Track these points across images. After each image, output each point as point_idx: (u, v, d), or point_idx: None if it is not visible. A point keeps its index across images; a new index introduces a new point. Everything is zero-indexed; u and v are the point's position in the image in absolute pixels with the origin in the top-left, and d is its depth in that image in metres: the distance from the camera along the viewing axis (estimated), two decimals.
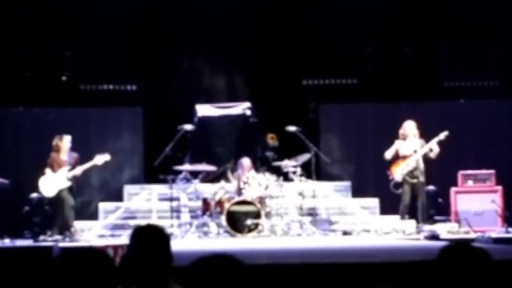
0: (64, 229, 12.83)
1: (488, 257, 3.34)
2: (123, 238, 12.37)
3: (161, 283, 3.60)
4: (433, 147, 13.14)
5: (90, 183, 15.03)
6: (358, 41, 15.49)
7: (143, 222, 12.06)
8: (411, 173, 13.12)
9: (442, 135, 13.13)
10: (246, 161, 14.02)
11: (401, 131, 13.31)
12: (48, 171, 13.02)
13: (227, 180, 13.98)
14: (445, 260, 3.34)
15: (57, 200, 12.99)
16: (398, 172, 13.20)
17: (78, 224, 13.45)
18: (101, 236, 13.22)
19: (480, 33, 15.36)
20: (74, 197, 13.21)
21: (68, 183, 12.95)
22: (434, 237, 12.10)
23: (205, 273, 3.02)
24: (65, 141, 13.07)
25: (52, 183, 12.96)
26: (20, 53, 15.20)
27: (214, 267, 3.01)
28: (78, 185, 14.26)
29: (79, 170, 12.97)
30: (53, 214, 13.06)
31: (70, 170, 12.93)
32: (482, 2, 15.25)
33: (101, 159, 13.01)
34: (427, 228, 12.73)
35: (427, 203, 13.21)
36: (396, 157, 13.28)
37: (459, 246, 3.43)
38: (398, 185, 13.25)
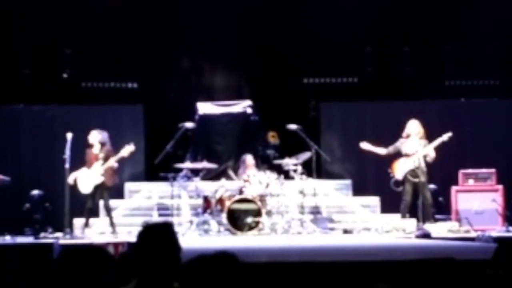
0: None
1: None
2: (124, 236, 12.38)
3: (168, 279, 3.59)
4: (430, 152, 13.07)
5: None
6: (359, 40, 15.49)
7: (144, 220, 12.07)
8: (412, 172, 13.10)
9: (446, 136, 13.07)
10: (249, 159, 14.03)
11: (405, 130, 13.31)
12: (83, 168, 12.79)
13: (228, 178, 13.99)
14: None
15: (93, 196, 12.87)
16: (399, 170, 13.20)
17: (78, 222, 13.46)
18: (102, 233, 13.22)
19: (481, 32, 15.35)
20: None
21: (102, 178, 12.73)
22: (425, 235, 12.09)
23: (205, 271, 3.03)
24: (93, 136, 12.92)
25: (87, 179, 12.77)
26: (20, 51, 15.21)
27: (213, 265, 3.01)
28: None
29: (111, 161, 12.78)
30: (75, 212, 12.94)
31: (103, 164, 12.84)
32: (484, 2, 15.23)
33: (127, 150, 12.87)
34: (421, 226, 12.71)
35: (431, 200, 13.19)
36: (399, 155, 13.27)
37: None
38: (399, 183, 13.24)
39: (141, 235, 3.71)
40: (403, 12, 15.46)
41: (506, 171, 14.10)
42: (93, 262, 2.99)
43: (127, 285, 3.48)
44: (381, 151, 13.44)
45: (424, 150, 13.07)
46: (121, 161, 13.06)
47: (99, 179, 12.73)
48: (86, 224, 12.80)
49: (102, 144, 12.88)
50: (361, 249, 10.36)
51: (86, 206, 12.81)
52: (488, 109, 15.37)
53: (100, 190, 12.84)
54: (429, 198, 13.10)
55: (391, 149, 13.36)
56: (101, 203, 13.13)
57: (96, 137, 12.90)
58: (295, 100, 15.63)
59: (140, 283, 3.51)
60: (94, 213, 14.19)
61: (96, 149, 12.86)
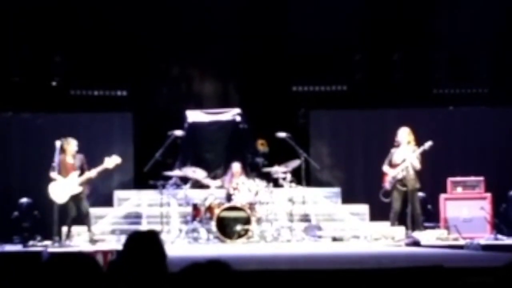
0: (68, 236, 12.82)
1: None
2: (113, 244, 12.35)
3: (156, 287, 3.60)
4: (413, 162, 13.07)
5: None
6: (348, 48, 15.53)
7: (133, 228, 12.05)
8: (400, 181, 13.12)
9: (427, 145, 13.05)
10: (236, 166, 14.05)
11: (396, 138, 13.32)
12: (57, 176, 12.76)
13: (213, 178, 14.02)
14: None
15: (68, 207, 12.86)
16: (388, 180, 13.23)
17: (66, 230, 13.43)
18: (91, 241, 13.18)
19: (470, 40, 15.42)
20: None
21: (80, 189, 12.80)
22: (415, 243, 12.10)
23: (196, 280, 3.03)
24: (71, 144, 12.95)
25: (63, 189, 12.77)
26: (9, 58, 15.18)
27: (204, 274, 3.01)
28: None
29: (93, 172, 12.80)
30: (64, 220, 12.94)
31: (80, 175, 12.83)
32: (472, 10, 15.30)
33: (111, 162, 12.88)
34: (411, 234, 12.72)
35: (419, 210, 13.19)
36: (390, 165, 13.28)
37: None
38: (388, 194, 13.26)
39: (126, 243, 3.72)
40: (391, 20, 15.50)
41: (494, 179, 14.12)
42: (80, 270, 2.98)
43: None
44: (387, 169, 13.34)
45: (409, 160, 13.05)
46: (105, 172, 13.06)
47: (76, 190, 12.74)
48: (68, 234, 12.80)
49: (76, 152, 12.92)
50: (350, 257, 10.36)
51: (70, 216, 12.80)
52: (476, 117, 15.42)
53: (78, 199, 12.84)
54: (418, 208, 13.10)
55: (387, 162, 13.33)
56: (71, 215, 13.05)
57: (73, 144, 12.91)
58: (284, 108, 15.65)
59: None
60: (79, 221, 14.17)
61: (70, 158, 12.89)
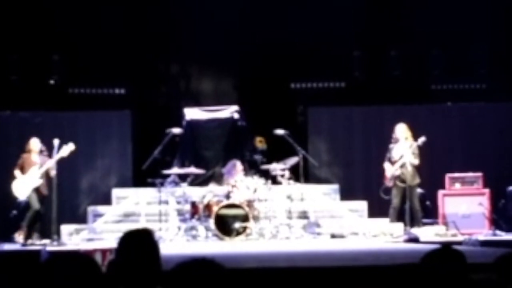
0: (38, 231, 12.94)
1: (465, 260, 3.45)
2: (112, 242, 12.35)
3: (150, 286, 3.60)
4: (411, 159, 13.07)
5: (78, 186, 15.01)
6: (346, 45, 15.52)
7: (131, 226, 12.06)
8: (399, 177, 13.14)
9: (420, 141, 13.07)
10: (238, 164, 13.97)
11: (393, 135, 13.33)
12: (18, 173, 13.09)
13: (217, 182, 13.98)
14: (428, 263, 3.41)
15: (30, 200, 13.02)
16: (387, 177, 13.25)
17: (66, 228, 13.45)
18: (90, 240, 13.19)
19: (467, 36, 15.43)
20: (59, 199, 13.09)
21: (40, 181, 12.93)
22: (413, 240, 12.11)
23: (187, 278, 3.04)
24: (33, 144, 13.16)
25: (24, 184, 12.98)
26: (7, 57, 15.16)
27: (195, 272, 3.02)
28: (66, 189, 14.26)
29: (49, 163, 12.88)
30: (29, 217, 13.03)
31: (40, 168, 13.00)
32: (469, 5, 15.30)
33: (67, 150, 12.96)
34: (409, 231, 12.73)
35: (418, 206, 13.20)
36: (389, 161, 13.30)
37: (441, 250, 3.51)
38: (388, 190, 13.27)
39: (120, 242, 3.73)
40: (389, 16, 15.51)
41: (492, 175, 14.14)
42: (79, 269, 2.98)
43: None
44: (386, 166, 13.35)
45: (406, 157, 13.06)
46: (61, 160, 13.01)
47: (36, 182, 12.92)
48: (31, 231, 12.92)
49: (41, 151, 13.10)
50: (349, 254, 10.38)
51: (32, 208, 12.93)
52: (474, 113, 15.42)
53: (39, 195, 12.99)
54: (417, 204, 13.11)
55: (386, 158, 13.34)
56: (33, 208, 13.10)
57: (37, 144, 13.14)
58: (283, 105, 15.65)
59: None
60: (81, 219, 14.17)
61: (35, 157, 13.06)
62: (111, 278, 3.55)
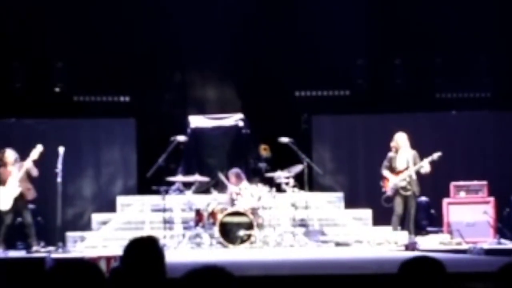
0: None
1: (443, 269, 3.49)
2: (116, 249, 12.36)
3: None
4: (425, 166, 13.04)
5: (82, 194, 15.04)
6: (350, 53, 15.55)
7: (136, 233, 12.06)
8: (403, 188, 13.10)
9: (435, 156, 13.00)
10: (234, 173, 13.88)
11: (392, 144, 13.27)
12: None
13: (221, 190, 13.97)
14: (406, 272, 3.47)
15: (15, 211, 12.98)
16: (389, 186, 13.20)
17: (71, 235, 13.46)
18: (94, 247, 13.20)
19: (472, 45, 15.44)
20: (65, 208, 13.10)
21: (19, 189, 12.88)
22: (413, 248, 12.08)
23: (197, 285, 3.04)
24: (8, 155, 13.07)
25: (4, 195, 12.91)
26: (12, 64, 15.21)
27: (205, 280, 3.02)
28: (71, 196, 14.30)
29: (25, 165, 12.86)
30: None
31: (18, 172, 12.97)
32: (473, 14, 15.32)
33: (36, 152, 12.92)
34: (414, 239, 12.70)
35: (418, 214, 13.18)
36: (390, 170, 13.25)
37: (418, 260, 3.55)
38: (390, 199, 13.25)
39: (126, 250, 3.74)
40: (393, 25, 15.53)
41: (497, 183, 14.13)
42: (83, 277, 2.99)
43: None
44: (387, 174, 13.32)
45: (418, 164, 13.01)
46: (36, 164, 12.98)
47: (16, 190, 12.88)
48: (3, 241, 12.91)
49: (15, 161, 13.05)
50: (353, 262, 10.36)
51: (5, 223, 12.87)
52: (479, 121, 15.43)
53: (21, 204, 12.94)
54: (412, 213, 13.04)
55: (385, 166, 13.31)
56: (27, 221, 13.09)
57: (12, 155, 13.08)
58: (287, 113, 15.67)
59: None
60: (85, 227, 14.17)
61: (11, 167, 13.04)
62: (115, 285, 3.56)
